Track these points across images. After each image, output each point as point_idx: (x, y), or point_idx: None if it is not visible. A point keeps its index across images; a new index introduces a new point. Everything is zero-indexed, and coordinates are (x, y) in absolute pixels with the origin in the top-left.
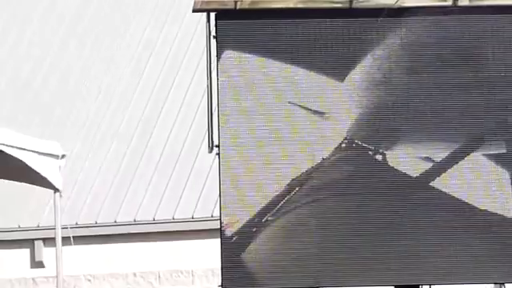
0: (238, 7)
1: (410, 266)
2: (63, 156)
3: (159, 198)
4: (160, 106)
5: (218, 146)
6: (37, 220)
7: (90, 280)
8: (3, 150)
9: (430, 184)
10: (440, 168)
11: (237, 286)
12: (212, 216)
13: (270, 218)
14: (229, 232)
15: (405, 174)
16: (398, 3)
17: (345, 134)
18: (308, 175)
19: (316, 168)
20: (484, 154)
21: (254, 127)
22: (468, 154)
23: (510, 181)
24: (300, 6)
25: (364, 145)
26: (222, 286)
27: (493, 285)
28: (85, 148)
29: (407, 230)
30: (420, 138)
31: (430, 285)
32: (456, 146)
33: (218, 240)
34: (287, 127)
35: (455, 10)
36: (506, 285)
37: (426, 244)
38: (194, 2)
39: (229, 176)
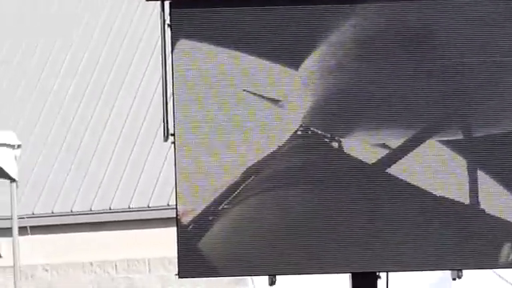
0: None
1: (366, 253)
2: (19, 146)
3: (115, 187)
4: (115, 94)
5: (173, 135)
6: None
7: (46, 270)
8: None
9: (387, 171)
10: (396, 155)
11: (193, 275)
12: (168, 205)
13: (226, 207)
14: (185, 221)
15: (361, 161)
16: None
17: (300, 122)
18: (264, 163)
19: (272, 156)
20: (440, 141)
21: (209, 115)
22: (424, 141)
23: (466, 167)
24: None
25: (320, 132)
26: (178, 274)
27: (450, 272)
28: (41, 138)
29: (364, 218)
30: (376, 125)
31: (388, 272)
32: (412, 132)
33: (175, 229)
34: (243, 115)
35: None
36: (463, 271)
37: (383, 231)
38: None
39: (184, 164)
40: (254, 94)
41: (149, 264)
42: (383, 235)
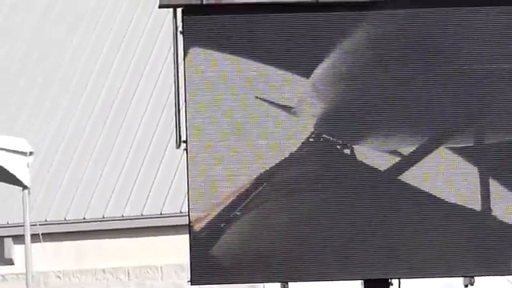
0: (204, 2)
1: (379, 260)
2: (31, 153)
3: (128, 194)
4: (128, 102)
5: (185, 142)
6: (6, 217)
7: (59, 276)
8: None
9: (399, 178)
10: (408, 162)
11: (206, 282)
12: (181, 212)
13: (238, 213)
14: (197, 227)
15: (373, 168)
16: None
17: (312, 129)
18: (276, 170)
19: (284, 162)
20: (452, 148)
21: (221, 123)
22: (436, 148)
23: (477, 174)
24: (266, 0)
25: (332, 139)
26: (191, 281)
27: (462, 278)
28: (53, 145)
29: (376, 224)
30: (388, 132)
31: (400, 279)
32: (424, 139)
33: (187, 236)
34: (255, 122)
35: (423, 3)
36: (475, 278)
37: (396, 238)
38: None
39: (197, 171)
40: (266, 101)
41: (161, 271)
42: (395, 242)
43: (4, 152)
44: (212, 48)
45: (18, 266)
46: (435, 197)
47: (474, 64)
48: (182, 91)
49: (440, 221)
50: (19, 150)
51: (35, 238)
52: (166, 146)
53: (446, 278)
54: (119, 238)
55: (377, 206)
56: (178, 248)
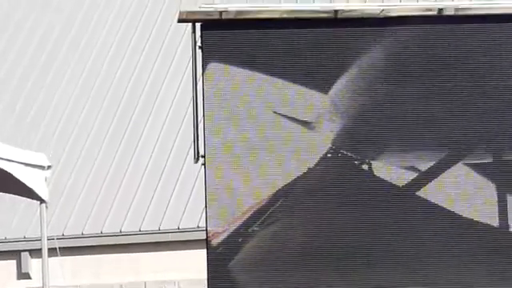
0: (223, 17)
1: (394, 273)
2: (49, 167)
3: (145, 208)
4: (146, 116)
5: (203, 157)
6: (23, 231)
7: None
8: None
9: (416, 193)
10: (425, 178)
11: None
12: (198, 226)
13: (256, 229)
14: (215, 242)
15: (391, 183)
16: (383, 13)
17: (330, 144)
18: (294, 185)
19: (302, 178)
20: (469, 164)
21: (239, 138)
22: (454, 164)
23: (495, 190)
24: (285, 16)
25: (350, 154)
26: None
27: None
28: (71, 159)
29: (392, 239)
30: (405, 148)
31: None
32: (441, 155)
33: (205, 251)
34: (272, 137)
35: (441, 19)
36: None
37: (412, 252)
38: (180, 13)
39: (215, 186)
40: (284, 116)
41: (178, 286)
42: (412, 255)
43: (22, 166)
44: (231, 63)
45: (35, 281)
46: (452, 212)
47: (493, 80)
48: (200, 106)
49: (456, 236)
50: (37, 163)
51: (52, 252)
52: (184, 161)
53: None
54: (137, 252)
55: (394, 221)
56: (196, 263)
